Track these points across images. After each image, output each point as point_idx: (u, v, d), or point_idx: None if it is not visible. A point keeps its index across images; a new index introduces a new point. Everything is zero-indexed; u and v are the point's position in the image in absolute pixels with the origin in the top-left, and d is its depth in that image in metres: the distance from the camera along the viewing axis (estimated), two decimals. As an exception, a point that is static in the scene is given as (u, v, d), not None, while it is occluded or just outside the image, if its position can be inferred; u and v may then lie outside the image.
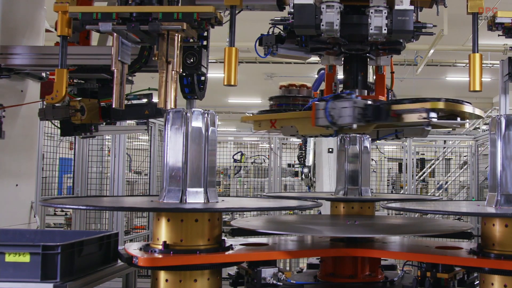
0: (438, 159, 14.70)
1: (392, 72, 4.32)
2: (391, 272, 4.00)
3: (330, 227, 3.97)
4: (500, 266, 3.07)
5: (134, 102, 4.34)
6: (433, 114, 3.33)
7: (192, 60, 3.79)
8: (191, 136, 3.28)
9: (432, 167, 14.78)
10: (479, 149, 11.08)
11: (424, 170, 14.62)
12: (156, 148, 8.41)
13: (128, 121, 5.14)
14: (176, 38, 3.41)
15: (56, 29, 3.67)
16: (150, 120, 5.77)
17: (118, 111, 4.20)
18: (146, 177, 9.29)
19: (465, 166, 12.98)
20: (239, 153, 14.53)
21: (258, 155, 15.37)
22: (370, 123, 3.51)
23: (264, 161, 14.37)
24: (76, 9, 3.41)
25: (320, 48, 3.81)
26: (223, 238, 3.40)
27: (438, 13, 3.64)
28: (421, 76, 15.07)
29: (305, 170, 10.84)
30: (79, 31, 4.29)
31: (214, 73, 7.56)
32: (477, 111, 3.54)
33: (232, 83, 3.39)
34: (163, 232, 3.18)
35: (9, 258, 2.92)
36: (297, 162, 12.58)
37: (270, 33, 3.90)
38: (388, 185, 13.53)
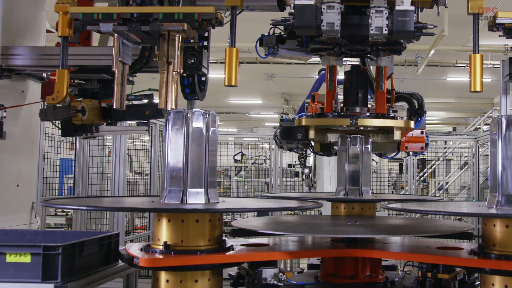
0: (438, 160, 14.69)
1: (391, 73, 4.32)
2: (392, 273, 4.00)
3: (330, 228, 3.97)
4: (500, 266, 3.07)
5: (135, 102, 4.34)
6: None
7: (192, 61, 3.79)
8: (192, 136, 3.29)
9: (433, 167, 14.77)
10: (480, 149, 11.07)
11: (424, 170, 14.61)
12: (156, 149, 8.41)
13: (128, 122, 5.14)
14: (177, 38, 3.41)
15: (57, 30, 3.67)
16: (150, 120, 5.78)
17: (119, 112, 4.19)
18: (146, 177, 9.29)
19: (466, 167, 12.96)
20: (240, 154, 14.51)
21: (259, 156, 15.36)
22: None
23: (264, 161, 14.36)
24: (77, 10, 3.42)
25: (320, 48, 3.81)
26: (223, 238, 3.40)
27: (439, 14, 3.64)
28: (422, 76, 15.03)
29: (306, 170, 10.80)
30: (80, 32, 4.28)
31: (215, 74, 7.57)
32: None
33: (233, 84, 3.39)
34: (164, 233, 3.19)
35: (10, 258, 2.92)
36: (297, 162, 12.55)
37: (271, 33, 3.91)
38: (388, 186, 13.51)
